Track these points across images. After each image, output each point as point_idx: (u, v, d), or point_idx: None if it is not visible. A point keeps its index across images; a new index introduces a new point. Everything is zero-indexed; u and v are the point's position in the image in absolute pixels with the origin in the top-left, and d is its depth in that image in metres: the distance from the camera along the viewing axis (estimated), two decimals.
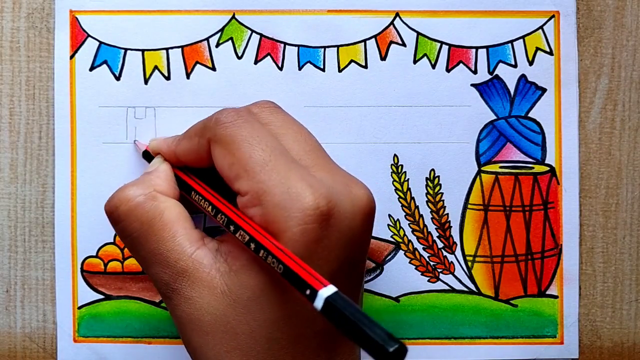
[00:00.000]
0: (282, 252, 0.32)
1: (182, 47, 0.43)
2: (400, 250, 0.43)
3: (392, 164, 0.43)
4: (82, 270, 0.43)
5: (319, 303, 0.30)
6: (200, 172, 0.38)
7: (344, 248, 0.34)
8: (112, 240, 0.43)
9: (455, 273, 0.44)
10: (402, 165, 0.43)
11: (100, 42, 0.43)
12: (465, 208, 0.44)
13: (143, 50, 0.43)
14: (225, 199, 0.36)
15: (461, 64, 0.43)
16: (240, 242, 0.34)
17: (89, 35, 0.43)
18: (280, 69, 0.43)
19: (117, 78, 0.43)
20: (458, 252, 0.44)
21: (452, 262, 0.44)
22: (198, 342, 0.35)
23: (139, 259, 0.37)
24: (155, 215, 0.35)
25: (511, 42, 0.44)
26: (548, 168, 0.44)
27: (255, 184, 0.33)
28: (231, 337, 0.34)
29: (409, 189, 0.43)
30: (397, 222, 0.43)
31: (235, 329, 0.34)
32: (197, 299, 0.34)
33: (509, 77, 0.44)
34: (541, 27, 0.44)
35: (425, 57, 0.43)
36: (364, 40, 0.43)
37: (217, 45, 0.43)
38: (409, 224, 0.44)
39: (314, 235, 0.32)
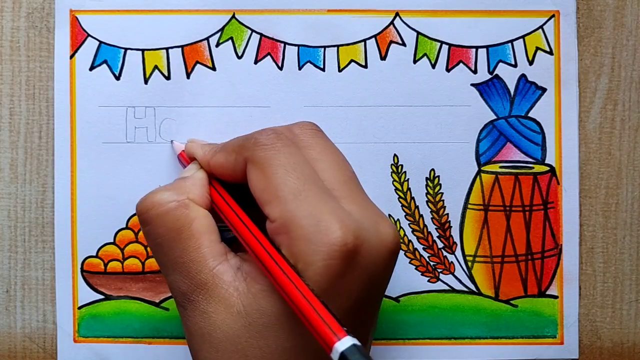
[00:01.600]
0: (304, 298, 0.32)
1: (182, 46, 0.43)
2: (400, 250, 0.43)
3: (392, 164, 0.43)
4: (82, 270, 0.43)
5: (334, 356, 0.30)
6: (232, 184, 0.38)
7: (365, 286, 0.34)
8: (112, 240, 0.43)
9: (455, 273, 0.44)
10: (402, 165, 0.43)
11: (100, 42, 0.43)
12: (465, 208, 0.44)
13: (143, 50, 0.43)
14: (255, 218, 0.35)
15: (461, 64, 0.43)
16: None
17: (89, 35, 0.43)
18: (280, 68, 0.43)
19: (117, 78, 0.43)
20: (458, 252, 0.44)
21: (452, 262, 0.44)
22: (206, 356, 0.34)
23: (160, 264, 0.36)
24: (185, 224, 0.35)
25: (511, 41, 0.44)
26: (548, 168, 0.44)
27: (285, 212, 0.33)
28: (240, 358, 0.34)
29: (409, 189, 0.43)
30: (397, 222, 0.43)
31: (245, 350, 0.34)
32: (212, 314, 0.34)
33: (509, 76, 0.44)
34: (541, 27, 0.44)
35: (425, 57, 0.43)
36: (364, 40, 0.43)
37: (217, 45, 0.43)
38: (409, 224, 0.44)
39: (338, 271, 0.32)
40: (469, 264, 0.44)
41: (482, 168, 0.44)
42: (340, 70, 0.43)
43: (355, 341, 0.30)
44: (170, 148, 0.43)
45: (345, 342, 0.30)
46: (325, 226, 0.32)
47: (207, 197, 0.37)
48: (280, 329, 0.33)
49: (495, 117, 0.44)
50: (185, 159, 0.41)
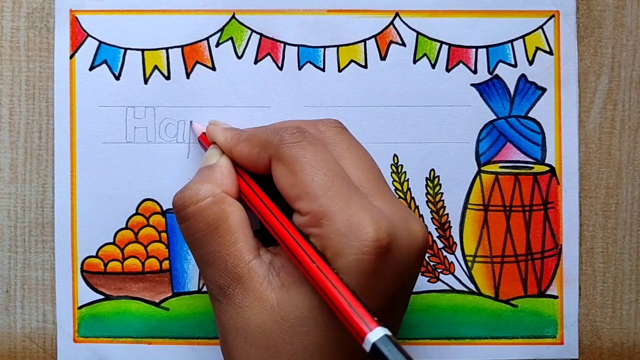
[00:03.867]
0: (335, 289, 0.32)
1: (182, 46, 0.43)
2: None
3: (392, 164, 0.43)
4: (82, 270, 0.43)
5: (366, 347, 0.30)
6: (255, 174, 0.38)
7: (395, 282, 0.34)
8: (112, 240, 0.43)
9: (455, 273, 0.44)
10: (402, 165, 0.43)
11: (100, 42, 0.43)
12: (465, 208, 0.44)
13: (143, 50, 0.43)
14: (279, 208, 0.36)
15: (461, 64, 0.43)
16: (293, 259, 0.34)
17: (89, 35, 0.43)
18: (280, 68, 0.43)
19: (117, 78, 0.43)
20: (458, 252, 0.44)
21: (452, 262, 0.44)
22: (239, 352, 0.34)
23: (197, 258, 0.37)
24: (222, 218, 0.35)
25: (511, 41, 0.44)
26: (548, 168, 0.44)
27: (316, 207, 0.33)
28: (273, 354, 0.34)
29: (409, 189, 0.43)
30: None
31: (278, 346, 0.34)
32: (247, 309, 0.34)
33: (509, 76, 0.44)
34: (541, 27, 0.44)
35: (425, 57, 0.43)
36: (364, 40, 0.43)
37: (217, 45, 0.43)
38: None
39: (369, 266, 0.32)
40: (469, 264, 0.44)
41: (482, 168, 0.44)
42: (340, 71, 0.43)
43: (387, 331, 0.30)
44: (170, 148, 0.43)
45: (377, 333, 0.30)
46: (357, 222, 0.32)
47: (236, 185, 0.37)
48: (313, 323, 0.33)
49: (495, 117, 0.44)
50: (207, 141, 0.41)
